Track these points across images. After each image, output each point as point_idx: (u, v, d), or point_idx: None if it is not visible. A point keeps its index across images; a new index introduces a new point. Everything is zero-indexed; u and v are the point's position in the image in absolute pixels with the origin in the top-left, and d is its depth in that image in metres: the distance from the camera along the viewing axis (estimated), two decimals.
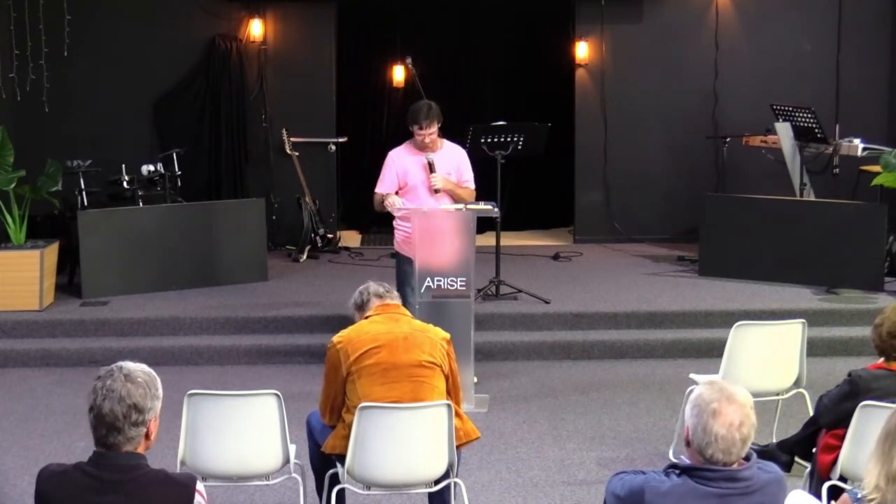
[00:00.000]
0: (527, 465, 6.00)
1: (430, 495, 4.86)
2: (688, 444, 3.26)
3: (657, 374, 7.68)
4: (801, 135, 9.73)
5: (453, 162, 7.25)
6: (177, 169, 10.03)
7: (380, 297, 4.92)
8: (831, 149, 9.60)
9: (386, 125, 12.19)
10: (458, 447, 4.74)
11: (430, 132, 7.03)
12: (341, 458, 4.67)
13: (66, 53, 10.49)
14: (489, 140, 8.71)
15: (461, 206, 7.03)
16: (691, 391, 3.33)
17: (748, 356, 5.86)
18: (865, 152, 9.53)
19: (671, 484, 3.23)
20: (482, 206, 7.07)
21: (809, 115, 9.64)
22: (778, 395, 6.01)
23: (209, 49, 11.04)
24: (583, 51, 11.23)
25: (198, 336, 8.18)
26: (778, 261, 9.15)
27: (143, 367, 3.21)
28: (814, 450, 4.97)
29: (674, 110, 11.19)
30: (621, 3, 11.12)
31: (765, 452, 5.36)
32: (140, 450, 3.16)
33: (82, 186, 9.47)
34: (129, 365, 3.19)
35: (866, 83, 11.13)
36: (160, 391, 3.20)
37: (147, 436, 3.17)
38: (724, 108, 11.11)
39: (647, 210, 11.31)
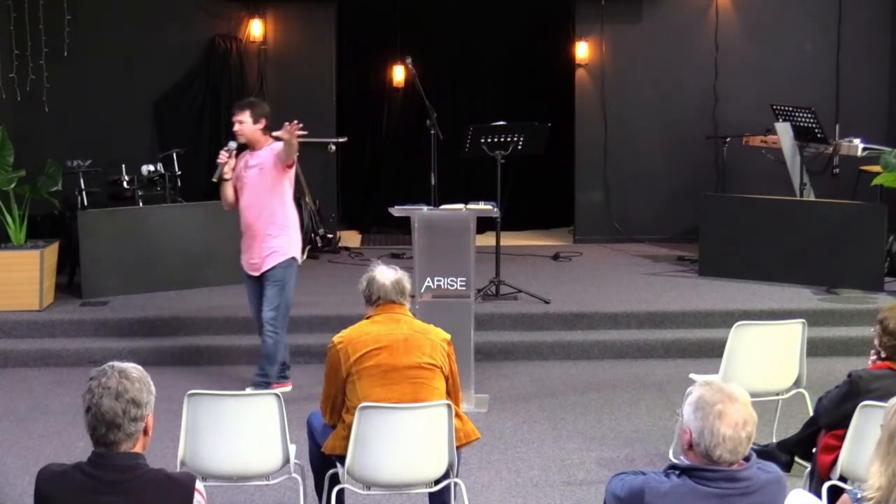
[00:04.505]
0: (527, 465, 6.00)
1: (430, 495, 4.86)
2: (689, 446, 3.24)
3: (657, 374, 7.68)
4: (801, 135, 9.73)
5: (264, 159, 7.01)
6: (177, 169, 10.03)
7: (389, 299, 4.83)
8: (831, 149, 9.60)
9: (386, 125, 12.20)
10: (458, 448, 4.74)
11: (237, 119, 6.98)
12: (341, 458, 4.67)
13: (66, 53, 10.51)
14: (489, 140, 8.72)
15: (461, 206, 7.03)
16: (690, 393, 3.32)
17: (748, 356, 5.86)
18: (865, 152, 9.53)
19: (671, 484, 3.23)
20: (482, 206, 7.07)
21: (809, 115, 9.64)
22: (778, 395, 6.01)
23: (209, 49, 11.04)
24: (583, 51, 11.23)
25: (198, 336, 8.18)
26: (778, 261, 9.15)
27: (133, 364, 3.24)
28: (814, 450, 4.97)
29: (674, 110, 11.20)
30: (621, 3, 11.12)
31: (765, 452, 5.37)
32: (138, 447, 3.18)
33: (82, 186, 9.47)
34: (120, 363, 3.21)
35: (866, 83, 11.14)
36: (153, 387, 3.23)
37: (145, 431, 3.18)
38: (724, 108, 11.11)
39: (647, 210, 11.31)
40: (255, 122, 6.97)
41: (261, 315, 7.10)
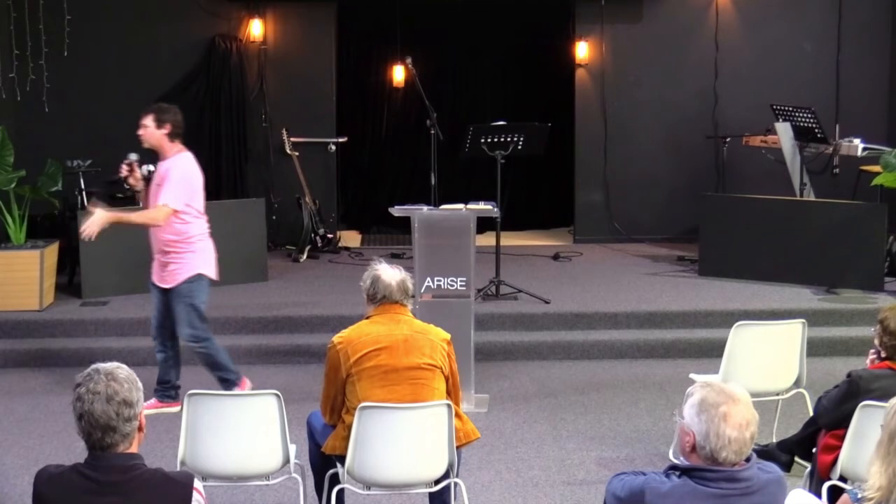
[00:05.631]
0: (527, 465, 6.00)
1: (430, 495, 4.86)
2: (692, 449, 3.23)
3: (657, 374, 7.68)
4: (801, 135, 9.73)
5: (160, 175, 6.65)
6: None
7: (392, 299, 4.80)
8: (831, 149, 9.60)
9: (386, 125, 12.20)
10: (458, 448, 4.74)
11: (141, 122, 6.63)
12: (341, 458, 4.67)
13: (66, 53, 10.51)
14: (489, 140, 8.71)
15: (461, 206, 7.02)
16: (690, 394, 3.31)
17: (748, 356, 5.86)
18: (865, 152, 9.53)
19: (671, 485, 3.23)
20: (482, 206, 7.07)
21: (809, 115, 9.64)
22: (778, 395, 6.01)
23: (209, 49, 11.03)
24: (583, 51, 11.23)
25: None
26: (778, 261, 9.15)
27: (117, 363, 3.23)
28: (814, 450, 4.98)
29: (674, 110, 11.20)
30: (621, 3, 11.12)
31: (765, 452, 5.37)
32: (134, 446, 3.18)
33: (82, 186, 9.48)
34: (104, 365, 3.21)
35: (866, 83, 11.14)
36: (140, 383, 3.23)
37: (140, 428, 3.19)
38: (724, 108, 11.11)
39: (647, 210, 11.31)
40: (159, 127, 6.59)
41: (160, 321, 6.81)
